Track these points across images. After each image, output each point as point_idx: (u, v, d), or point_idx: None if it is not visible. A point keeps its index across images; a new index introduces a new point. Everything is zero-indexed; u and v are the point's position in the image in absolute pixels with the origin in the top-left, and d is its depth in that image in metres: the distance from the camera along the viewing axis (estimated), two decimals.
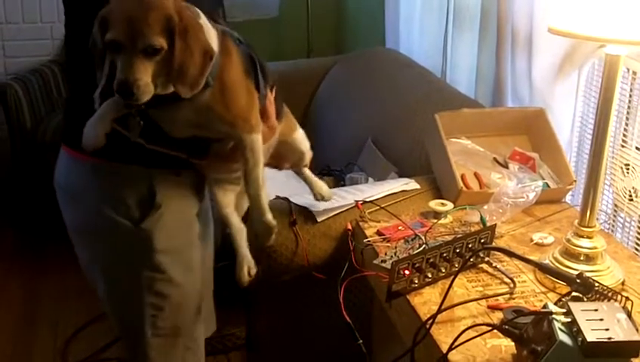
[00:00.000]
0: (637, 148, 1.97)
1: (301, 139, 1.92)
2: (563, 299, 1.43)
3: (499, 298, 1.62)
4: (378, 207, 2.09)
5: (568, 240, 1.71)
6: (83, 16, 1.52)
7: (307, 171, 2.00)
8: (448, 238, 1.80)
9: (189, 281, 1.74)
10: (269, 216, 1.66)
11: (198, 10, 1.49)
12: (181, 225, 1.71)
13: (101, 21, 1.41)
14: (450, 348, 1.42)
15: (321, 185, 2.03)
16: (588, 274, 1.51)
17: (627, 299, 1.45)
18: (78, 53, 1.61)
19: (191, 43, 1.41)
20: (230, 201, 1.81)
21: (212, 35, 1.50)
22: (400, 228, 1.94)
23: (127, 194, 1.62)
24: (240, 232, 1.81)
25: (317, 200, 2.04)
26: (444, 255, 1.68)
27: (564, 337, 1.24)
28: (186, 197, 1.72)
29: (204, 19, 1.49)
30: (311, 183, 2.02)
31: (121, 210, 1.62)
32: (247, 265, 1.79)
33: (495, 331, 1.43)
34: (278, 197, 2.24)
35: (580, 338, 1.22)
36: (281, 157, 1.88)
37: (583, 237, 1.69)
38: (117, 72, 1.39)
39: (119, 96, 1.40)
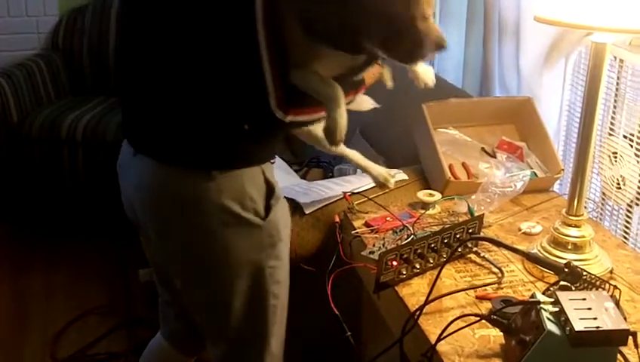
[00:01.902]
0: (624, 136, 1.96)
1: None
2: (551, 289, 1.43)
3: (487, 288, 1.62)
4: (366, 199, 2.08)
5: (556, 229, 1.71)
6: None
7: None
8: (436, 229, 1.80)
9: (288, 264, 1.75)
10: None
11: None
12: (285, 211, 1.72)
13: None
14: (439, 339, 1.41)
15: None
16: (576, 263, 1.51)
17: (615, 287, 1.45)
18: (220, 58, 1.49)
19: None
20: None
21: None
22: (388, 219, 1.93)
23: (252, 191, 1.60)
24: (358, 155, 1.95)
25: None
26: (432, 245, 1.68)
27: (552, 327, 1.24)
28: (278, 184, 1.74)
29: None
30: None
31: (248, 206, 1.59)
32: (386, 175, 1.91)
33: (483, 321, 1.43)
34: None
35: (567, 328, 1.22)
36: None
37: (570, 226, 1.69)
38: (432, 33, 1.39)
39: (438, 52, 1.43)
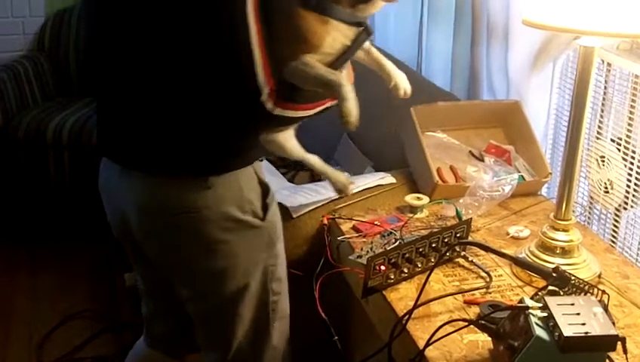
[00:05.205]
0: (612, 140, 1.96)
1: None
2: (539, 293, 1.43)
3: (475, 292, 1.61)
4: (354, 202, 2.07)
5: (544, 234, 1.70)
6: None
7: None
8: (424, 233, 1.79)
9: (285, 260, 1.76)
10: None
11: None
12: (277, 208, 1.72)
13: None
14: (427, 344, 1.41)
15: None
16: (564, 268, 1.51)
17: (604, 292, 1.45)
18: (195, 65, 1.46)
19: None
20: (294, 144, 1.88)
21: None
22: (376, 223, 1.92)
23: (249, 193, 1.60)
24: (319, 161, 1.94)
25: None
26: (420, 250, 1.67)
27: (540, 332, 1.23)
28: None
29: None
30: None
31: (247, 208, 1.59)
32: (344, 181, 1.93)
33: (472, 326, 1.42)
34: None
35: (556, 333, 1.21)
36: None
37: (558, 230, 1.69)
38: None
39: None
